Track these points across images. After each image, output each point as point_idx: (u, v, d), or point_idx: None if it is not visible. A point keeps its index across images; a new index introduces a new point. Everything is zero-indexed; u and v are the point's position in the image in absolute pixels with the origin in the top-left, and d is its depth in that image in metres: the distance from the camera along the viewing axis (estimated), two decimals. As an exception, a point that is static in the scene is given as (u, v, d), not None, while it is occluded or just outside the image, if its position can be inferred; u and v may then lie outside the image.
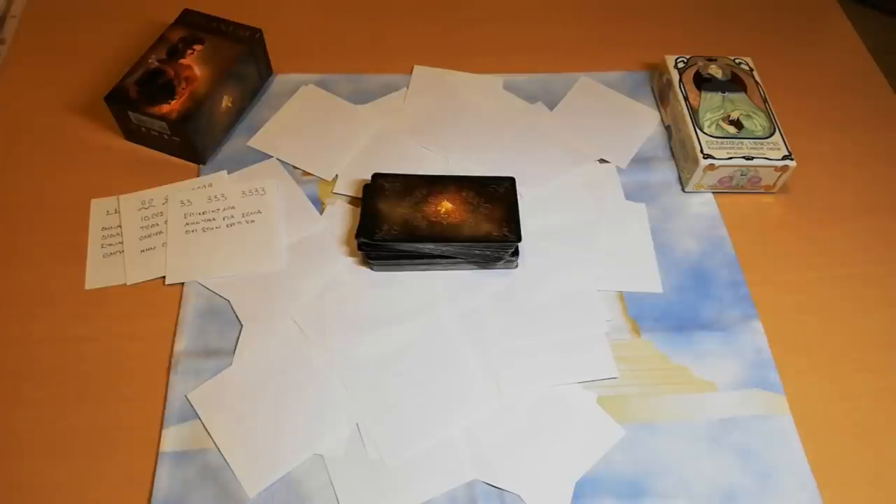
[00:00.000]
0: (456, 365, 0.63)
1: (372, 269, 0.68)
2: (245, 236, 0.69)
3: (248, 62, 0.77)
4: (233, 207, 0.71)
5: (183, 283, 0.66)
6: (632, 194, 0.75)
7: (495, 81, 0.84)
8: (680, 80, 0.79)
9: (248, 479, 0.56)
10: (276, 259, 0.68)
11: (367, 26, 0.89)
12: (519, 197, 0.69)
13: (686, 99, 0.77)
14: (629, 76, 0.86)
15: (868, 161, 0.80)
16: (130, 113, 0.72)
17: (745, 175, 0.74)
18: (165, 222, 0.70)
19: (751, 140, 0.74)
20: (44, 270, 0.67)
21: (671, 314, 0.67)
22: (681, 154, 0.77)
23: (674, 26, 0.92)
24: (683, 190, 0.76)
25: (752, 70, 0.80)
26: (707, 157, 0.72)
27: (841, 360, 0.65)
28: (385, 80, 0.83)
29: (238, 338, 0.63)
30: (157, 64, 0.74)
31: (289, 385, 0.61)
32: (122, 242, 0.68)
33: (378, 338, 0.64)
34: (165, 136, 0.73)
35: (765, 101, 0.77)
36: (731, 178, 0.74)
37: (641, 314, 0.67)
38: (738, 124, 0.75)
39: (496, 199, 0.68)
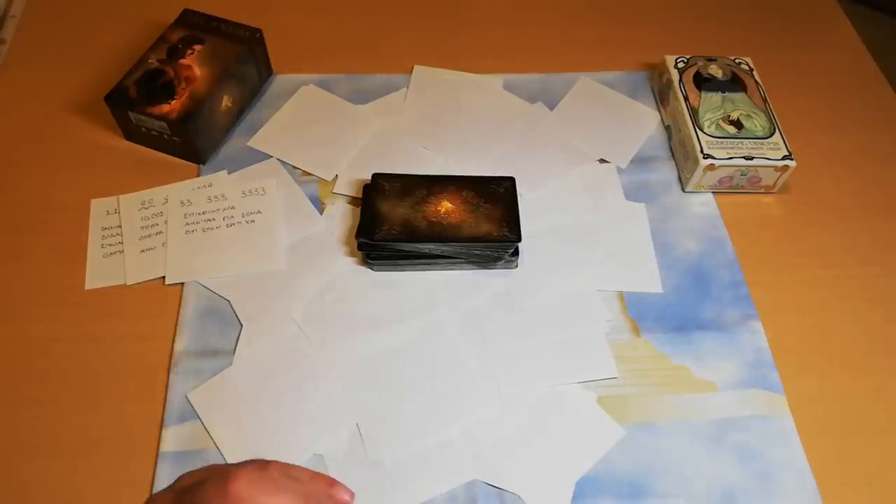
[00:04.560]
0: (456, 365, 0.63)
1: (372, 269, 0.68)
2: (245, 236, 0.69)
3: (248, 62, 0.77)
4: (233, 207, 0.71)
5: (183, 283, 0.66)
6: (632, 194, 0.75)
7: (495, 81, 0.84)
8: (680, 80, 0.79)
9: (248, 479, 0.56)
10: (276, 259, 0.68)
11: (366, 26, 0.89)
12: (519, 197, 0.69)
13: (686, 99, 0.77)
14: (629, 76, 0.86)
15: (868, 161, 0.80)
16: (130, 113, 0.72)
17: (745, 175, 0.74)
18: (165, 222, 0.70)
19: (751, 140, 0.74)
20: (44, 270, 0.67)
21: (671, 314, 0.67)
22: (681, 154, 0.77)
23: (674, 26, 0.92)
24: (683, 190, 0.76)
25: (752, 70, 0.80)
26: (707, 157, 0.72)
27: (841, 360, 0.65)
28: (385, 80, 0.83)
29: (238, 338, 0.63)
30: (156, 64, 0.74)
31: (289, 385, 0.61)
32: (122, 242, 0.68)
33: (378, 338, 0.64)
34: (165, 136, 0.73)
35: (765, 101, 0.77)
36: (731, 178, 0.74)
37: (641, 314, 0.67)
38: (738, 124, 0.75)
39: (496, 198, 0.68)
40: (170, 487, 0.42)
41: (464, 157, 0.77)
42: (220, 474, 0.39)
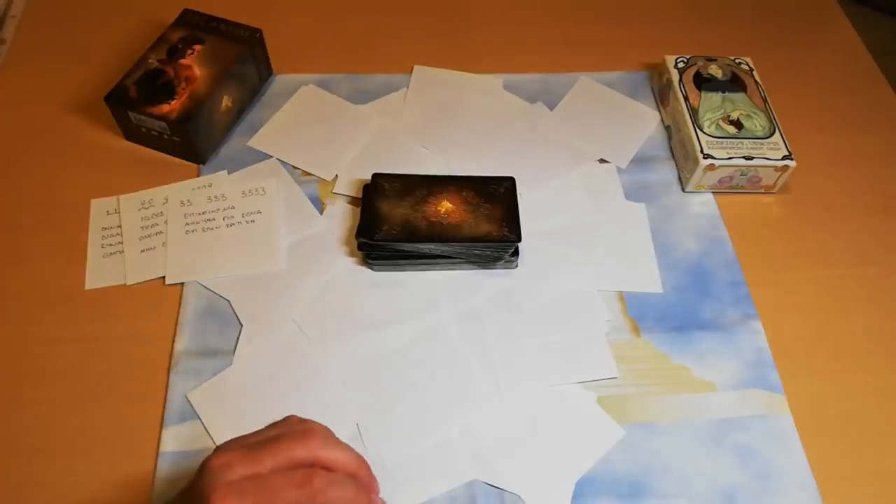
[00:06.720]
0: (456, 365, 0.63)
1: (372, 269, 0.68)
2: (245, 236, 0.69)
3: (248, 62, 0.77)
4: (233, 207, 0.71)
5: (183, 283, 0.66)
6: (632, 194, 0.75)
7: (495, 81, 0.84)
8: (680, 80, 0.79)
9: (248, 479, 0.56)
10: (276, 259, 0.68)
11: (367, 26, 0.89)
12: (519, 197, 0.69)
13: (686, 99, 0.77)
14: (629, 76, 0.86)
15: (868, 161, 0.80)
16: (130, 113, 0.72)
17: (745, 175, 0.74)
18: (165, 222, 0.70)
19: (751, 140, 0.74)
20: (44, 270, 0.67)
21: (671, 314, 0.67)
22: (681, 154, 0.77)
23: (674, 26, 0.92)
24: (683, 190, 0.76)
25: (752, 70, 0.80)
26: (707, 157, 0.72)
27: (841, 360, 0.65)
28: (385, 80, 0.83)
29: (238, 338, 0.63)
30: (156, 64, 0.74)
31: (289, 385, 0.61)
32: (122, 242, 0.68)
33: (378, 338, 0.64)
34: (165, 136, 0.73)
35: (765, 101, 0.77)
36: (731, 178, 0.74)
37: (641, 314, 0.67)
38: (738, 124, 0.75)
39: (496, 199, 0.68)
40: (235, 441, 0.44)
41: (464, 157, 0.77)
42: (299, 431, 0.44)
